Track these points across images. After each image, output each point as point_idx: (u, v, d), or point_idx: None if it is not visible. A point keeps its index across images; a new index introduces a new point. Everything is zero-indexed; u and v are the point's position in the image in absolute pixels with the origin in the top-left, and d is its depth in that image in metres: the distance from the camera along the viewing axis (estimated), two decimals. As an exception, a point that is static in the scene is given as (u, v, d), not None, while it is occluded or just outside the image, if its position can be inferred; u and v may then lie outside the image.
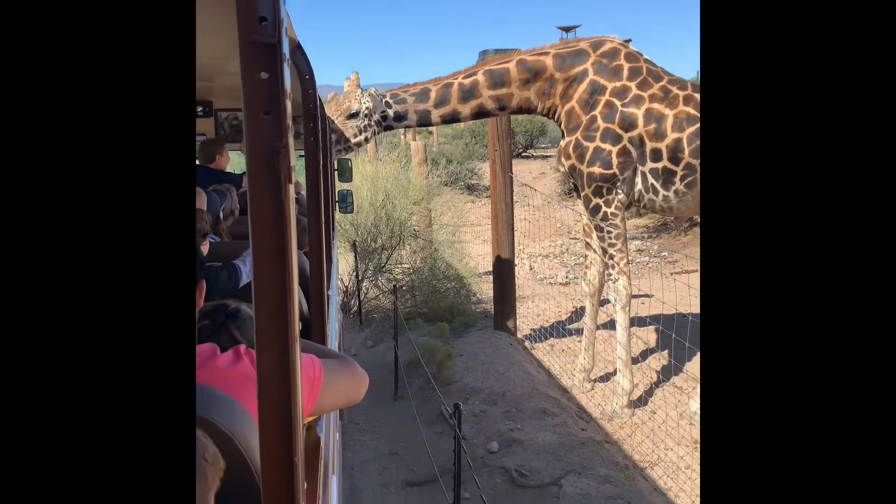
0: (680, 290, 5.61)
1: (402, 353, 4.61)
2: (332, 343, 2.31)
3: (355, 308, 6.39)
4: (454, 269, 6.83)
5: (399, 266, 7.03)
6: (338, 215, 5.16)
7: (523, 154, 18.99)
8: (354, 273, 6.44)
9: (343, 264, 6.63)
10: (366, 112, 4.36)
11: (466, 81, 4.32)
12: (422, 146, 9.05)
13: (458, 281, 6.60)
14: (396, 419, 4.20)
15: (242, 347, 1.14)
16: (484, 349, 5.04)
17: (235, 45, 0.65)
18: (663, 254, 9.12)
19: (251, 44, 0.65)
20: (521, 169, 12.96)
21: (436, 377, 4.17)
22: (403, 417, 4.17)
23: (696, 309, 4.91)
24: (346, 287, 6.61)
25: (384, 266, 6.84)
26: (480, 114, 4.44)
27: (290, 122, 0.68)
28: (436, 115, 4.37)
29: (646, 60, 4.24)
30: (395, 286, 5.20)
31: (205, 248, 2.34)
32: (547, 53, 4.31)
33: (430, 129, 26.07)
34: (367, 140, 4.44)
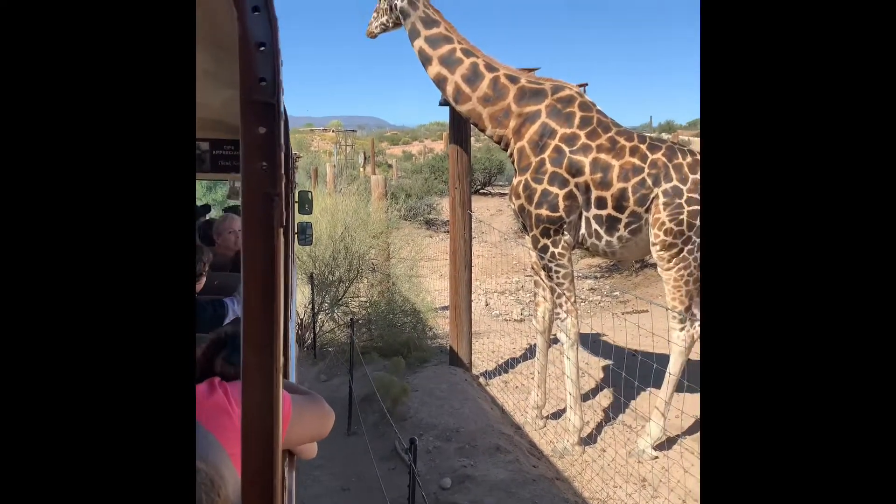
0: (630, 329, 5.77)
1: (357, 387, 4.60)
2: (292, 377, 2.32)
3: (310, 341, 6.34)
4: (411, 304, 6.86)
5: (356, 299, 7.02)
6: (296, 247, 5.15)
7: (481, 191, 19.29)
8: (310, 305, 6.41)
9: (299, 296, 6.59)
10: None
11: (458, 55, 4.46)
12: (382, 180, 9.14)
13: (414, 315, 6.63)
14: (349, 454, 4.17)
15: (217, 380, 1.16)
16: (439, 385, 5.06)
17: (201, 77, 0.69)
18: (615, 293, 9.36)
19: (251, 102, 0.71)
20: (479, 206, 13.18)
21: (391, 412, 4.17)
22: (356, 452, 4.14)
23: (646, 348, 5.06)
24: (302, 319, 6.56)
25: (341, 299, 6.82)
26: (439, 85, 4.58)
27: (283, 172, 0.74)
28: (419, 42, 4.52)
29: (598, 111, 4.45)
30: (352, 319, 5.20)
31: (197, 286, 2.34)
32: (518, 80, 4.45)
33: (390, 163, 26.21)
34: (387, 23, 4.76)
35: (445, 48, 4.48)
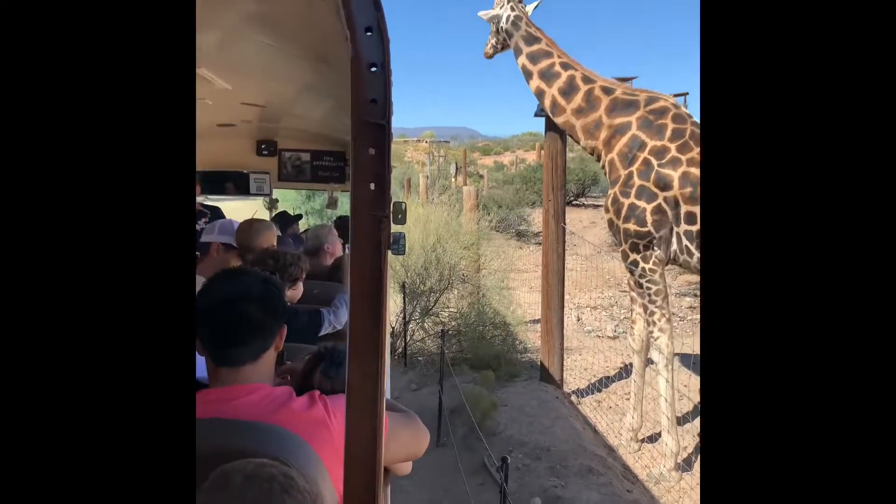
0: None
1: (447, 398, 4.60)
2: (387, 389, 2.34)
3: (400, 349, 6.43)
4: (501, 316, 6.81)
5: (446, 309, 7.05)
6: (389, 257, 5.25)
7: (574, 202, 18.97)
8: (402, 314, 6.50)
9: (391, 305, 6.70)
10: (496, 18, 4.89)
11: (557, 69, 4.59)
12: (473, 191, 9.18)
13: (504, 328, 6.58)
14: (438, 467, 4.17)
15: (317, 393, 1.18)
16: (529, 401, 4.98)
17: (303, 90, 0.69)
18: (716, 312, 8.90)
19: (363, 123, 0.71)
20: (572, 217, 12.95)
21: (480, 426, 4.13)
22: (445, 465, 4.13)
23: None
24: (393, 328, 6.66)
25: (431, 309, 6.88)
26: (539, 97, 4.74)
27: (391, 193, 0.74)
28: (521, 59, 4.73)
29: (693, 123, 4.25)
30: (442, 330, 5.22)
31: (295, 293, 2.41)
32: (611, 93, 4.44)
33: (482, 174, 26.36)
34: (492, 49, 5.03)
35: (545, 63, 4.61)
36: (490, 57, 5.10)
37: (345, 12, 0.72)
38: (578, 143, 4.70)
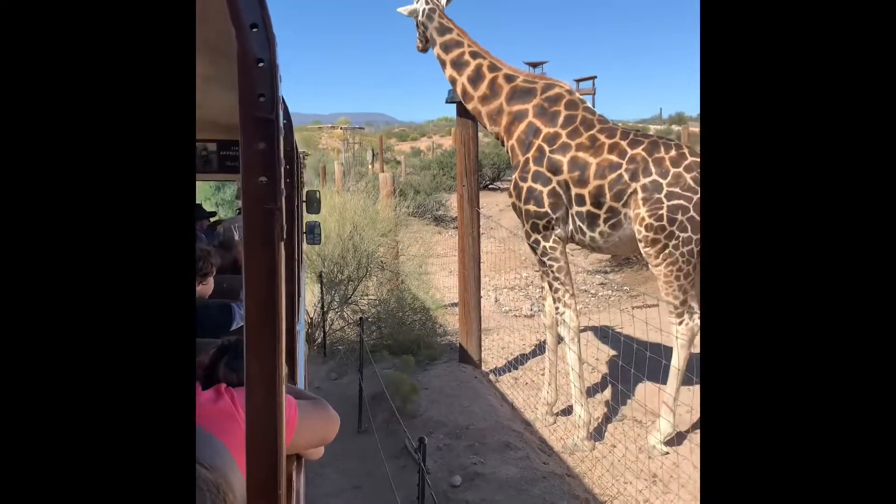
0: (639, 324, 5.76)
1: (367, 385, 4.63)
2: (301, 377, 2.35)
3: (319, 339, 6.38)
4: (420, 301, 6.88)
5: (365, 297, 7.05)
6: (305, 247, 5.19)
7: (490, 186, 19.28)
8: (320, 304, 6.44)
9: (308, 295, 6.62)
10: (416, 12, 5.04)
11: (467, 57, 4.80)
12: (390, 177, 9.16)
13: (424, 313, 6.65)
14: (360, 452, 4.20)
15: (223, 386, 1.18)
16: (449, 382, 5.08)
17: (205, 82, 0.70)
18: (625, 288, 9.34)
19: (251, 118, 0.73)
20: (487, 201, 13.18)
21: (400, 410, 4.19)
22: (367, 451, 4.17)
23: (655, 342, 5.06)
24: (311, 318, 6.60)
25: (350, 297, 6.85)
26: (453, 85, 4.95)
27: (282, 186, 0.76)
28: (436, 49, 4.94)
29: (584, 109, 4.52)
30: (361, 318, 5.23)
31: (205, 288, 2.36)
32: (512, 80, 4.67)
33: (398, 160, 26.31)
34: (420, 43, 5.14)
35: (456, 52, 4.82)
36: (422, 51, 5.21)
37: (230, 9, 0.73)
38: (486, 128, 4.94)
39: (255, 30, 0.73)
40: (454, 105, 5.49)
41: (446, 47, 4.84)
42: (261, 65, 0.74)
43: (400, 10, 5.14)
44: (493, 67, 4.72)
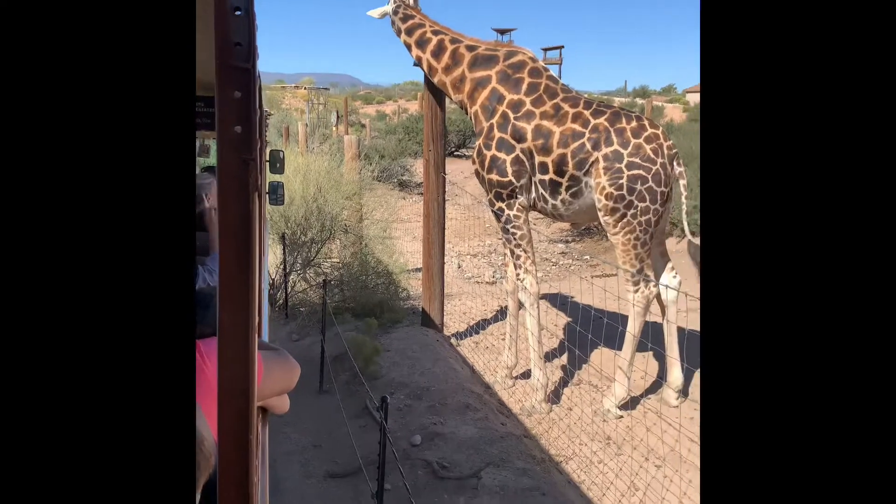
0: (597, 292, 5.90)
1: (329, 347, 4.65)
2: (265, 335, 2.35)
3: (281, 301, 6.35)
4: (384, 265, 6.89)
5: (328, 260, 7.02)
6: (268, 207, 5.12)
7: (456, 153, 19.22)
8: (282, 266, 6.39)
9: (271, 257, 6.56)
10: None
11: (429, 35, 4.92)
12: (355, 140, 9.04)
13: (387, 277, 6.67)
14: (321, 412, 4.24)
15: None
16: (411, 345, 5.14)
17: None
18: (585, 257, 9.51)
19: (227, 66, 0.72)
20: (453, 168, 13.14)
21: (362, 371, 4.23)
22: (328, 410, 4.21)
23: (612, 310, 5.20)
24: (273, 280, 6.55)
25: (313, 260, 6.81)
26: (420, 64, 5.07)
27: (258, 136, 0.75)
28: (401, 35, 5.07)
29: (548, 77, 4.54)
30: (324, 280, 5.22)
31: None
32: (473, 50, 4.72)
33: (363, 123, 25.97)
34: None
35: (418, 32, 4.93)
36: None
37: (206, -47, 0.72)
38: (452, 99, 4.98)
39: (232, -24, 0.72)
40: (421, 70, 5.45)
41: (410, 31, 4.97)
42: (238, 13, 0.73)
43: (370, 13, 5.25)
44: (455, 40, 4.81)
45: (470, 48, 4.73)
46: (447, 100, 5.81)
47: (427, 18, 5.02)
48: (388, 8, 5.14)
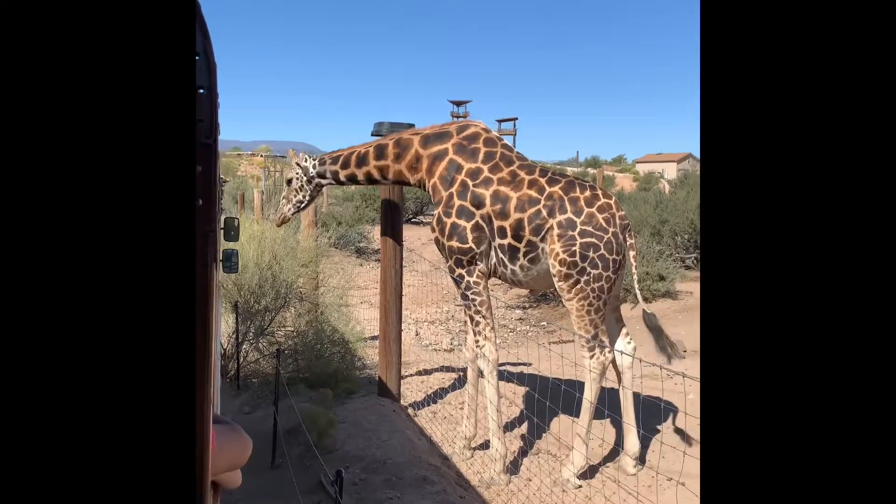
0: (555, 358, 5.93)
1: (282, 419, 4.50)
2: (218, 404, 2.27)
3: (233, 372, 6.15)
4: (340, 333, 6.78)
5: (283, 329, 6.88)
6: (221, 275, 5.04)
7: (413, 220, 19.41)
8: (234, 335, 6.23)
9: (223, 326, 6.40)
10: (297, 176, 5.12)
11: (362, 150, 4.92)
12: (312, 208, 9.06)
13: (343, 346, 6.56)
14: (274, 488, 4.06)
15: None
16: (367, 416, 5.02)
17: None
18: (542, 323, 9.58)
19: (190, 141, 0.73)
20: (410, 235, 13.24)
21: (317, 445, 4.10)
22: (281, 486, 4.04)
23: (569, 377, 5.21)
24: (225, 350, 6.36)
25: (267, 328, 6.67)
26: (371, 180, 5.02)
27: (219, 209, 0.77)
28: (342, 174, 5.01)
29: (503, 146, 4.71)
30: (278, 350, 5.10)
31: None
32: (418, 134, 4.82)
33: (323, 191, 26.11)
34: (305, 198, 5.17)
35: (352, 158, 4.95)
36: (303, 204, 5.21)
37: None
38: (410, 184, 4.95)
39: (196, 58, 0.75)
40: (376, 182, 5.56)
41: (345, 164, 4.96)
42: (201, 91, 0.75)
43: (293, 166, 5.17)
44: (391, 138, 4.89)
45: (413, 133, 4.83)
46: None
47: (342, 149, 5.09)
48: (309, 166, 5.05)
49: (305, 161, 5.10)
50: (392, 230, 5.69)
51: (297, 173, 5.12)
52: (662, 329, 4.60)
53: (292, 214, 5.24)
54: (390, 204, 5.69)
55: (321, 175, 5.07)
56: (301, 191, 5.13)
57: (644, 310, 4.61)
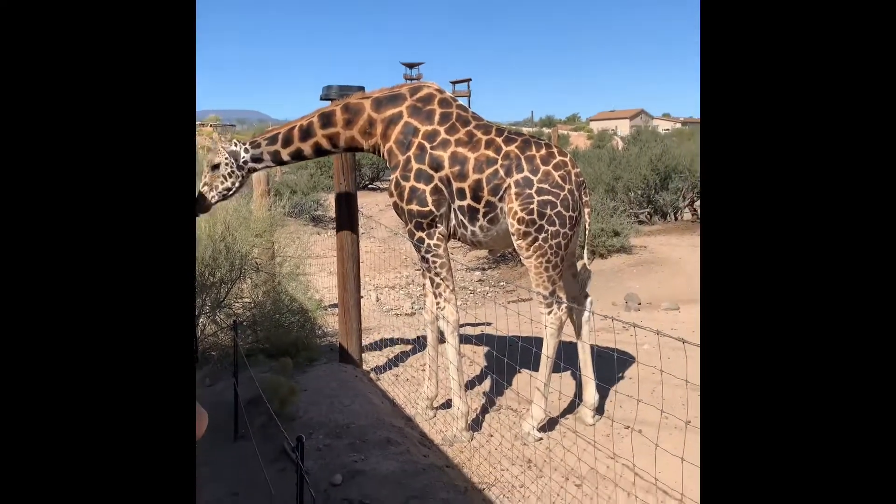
0: (512, 317, 6.02)
1: (243, 390, 4.48)
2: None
3: (191, 345, 6.07)
4: (298, 303, 6.74)
5: (240, 301, 6.79)
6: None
7: (370, 186, 19.22)
8: (191, 308, 6.13)
9: (178, 299, 6.28)
10: (227, 161, 4.71)
11: (305, 123, 4.70)
12: (264, 176, 8.86)
13: (302, 315, 6.52)
14: (237, 459, 4.06)
15: None
16: (329, 383, 5.03)
17: None
18: (501, 283, 9.70)
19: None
20: (367, 201, 13.12)
21: (279, 414, 4.10)
22: (245, 457, 4.04)
23: (527, 333, 5.31)
24: (182, 323, 6.26)
25: (223, 301, 6.57)
26: (320, 151, 4.79)
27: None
28: (284, 153, 4.74)
29: (458, 107, 4.66)
30: (235, 321, 5.04)
31: None
32: (369, 97, 4.66)
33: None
34: (234, 185, 4.78)
35: (294, 133, 4.70)
36: (232, 191, 4.81)
37: None
38: (364, 150, 4.78)
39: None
40: (327, 102, 5.40)
41: (286, 141, 4.69)
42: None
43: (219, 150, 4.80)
44: (337, 103, 4.69)
45: (362, 97, 4.65)
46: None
47: (274, 128, 4.85)
48: (237, 149, 4.69)
49: (235, 146, 4.73)
50: (347, 197, 5.63)
51: (225, 158, 4.71)
52: (584, 287, 4.86)
53: (216, 202, 4.82)
54: (344, 170, 5.62)
55: (256, 159, 4.73)
56: (230, 177, 4.72)
57: (584, 265, 4.76)
